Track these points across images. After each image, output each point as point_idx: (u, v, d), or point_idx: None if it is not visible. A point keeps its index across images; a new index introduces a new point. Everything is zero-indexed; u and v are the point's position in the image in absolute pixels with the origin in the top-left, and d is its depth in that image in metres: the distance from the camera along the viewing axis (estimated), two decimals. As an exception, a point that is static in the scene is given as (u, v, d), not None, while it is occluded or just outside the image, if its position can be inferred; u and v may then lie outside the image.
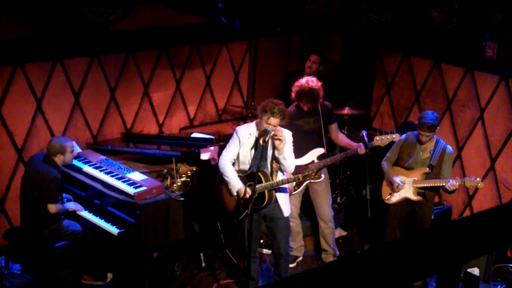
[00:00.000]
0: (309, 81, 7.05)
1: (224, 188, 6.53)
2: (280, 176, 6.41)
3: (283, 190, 6.49)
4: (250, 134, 6.35)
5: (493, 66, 7.83)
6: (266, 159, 6.34)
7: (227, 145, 6.51)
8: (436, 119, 6.73)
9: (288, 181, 6.33)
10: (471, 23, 7.28)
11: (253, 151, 6.33)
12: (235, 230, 7.80)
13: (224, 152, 6.48)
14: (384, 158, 7.15)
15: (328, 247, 7.63)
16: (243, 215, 6.40)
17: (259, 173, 6.25)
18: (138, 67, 8.19)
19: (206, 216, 7.54)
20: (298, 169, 6.74)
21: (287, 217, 6.59)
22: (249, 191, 6.25)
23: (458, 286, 2.18)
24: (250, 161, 6.36)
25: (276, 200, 6.41)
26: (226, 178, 6.39)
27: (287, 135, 6.38)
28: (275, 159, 6.32)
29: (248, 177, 6.32)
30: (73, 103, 7.70)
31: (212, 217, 7.42)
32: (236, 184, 6.32)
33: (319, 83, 7.08)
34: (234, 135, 6.46)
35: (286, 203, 6.53)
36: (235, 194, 6.34)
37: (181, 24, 8.31)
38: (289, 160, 6.31)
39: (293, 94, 7.11)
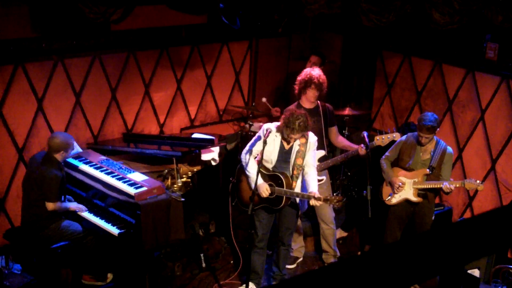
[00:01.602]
0: (314, 69, 7.13)
1: (244, 177, 6.65)
2: (299, 185, 6.50)
3: (303, 191, 6.56)
4: (276, 136, 6.43)
5: (494, 67, 7.84)
6: (288, 163, 6.45)
7: (253, 139, 6.62)
8: (436, 120, 6.72)
9: (309, 197, 6.30)
10: (472, 24, 7.28)
11: (277, 152, 6.42)
12: (237, 228, 7.80)
13: (248, 146, 6.59)
14: (383, 157, 7.14)
15: (328, 248, 7.63)
16: (259, 206, 6.53)
17: (281, 176, 6.36)
18: (139, 67, 8.20)
19: (207, 214, 7.55)
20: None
21: (300, 213, 6.72)
22: (267, 189, 6.35)
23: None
24: (273, 162, 6.45)
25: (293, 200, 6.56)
26: (247, 172, 6.51)
27: (312, 141, 6.47)
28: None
29: (271, 177, 6.42)
30: (74, 102, 7.70)
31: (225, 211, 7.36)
32: (255, 179, 6.37)
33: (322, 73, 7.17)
34: (260, 131, 6.53)
35: (304, 202, 6.63)
36: (253, 187, 6.39)
37: (182, 24, 8.32)
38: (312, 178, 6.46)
39: (300, 84, 7.10)
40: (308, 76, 7.04)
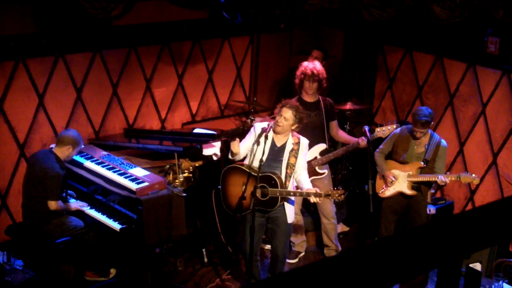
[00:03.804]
0: (313, 62, 7.16)
1: (230, 181, 6.49)
2: (291, 185, 6.35)
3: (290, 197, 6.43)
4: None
5: (495, 61, 7.83)
6: (280, 161, 6.29)
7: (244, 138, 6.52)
8: (430, 115, 6.73)
9: (308, 194, 6.17)
10: (473, 18, 7.27)
11: (268, 148, 6.25)
12: (237, 225, 7.81)
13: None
14: (377, 150, 7.15)
15: (330, 242, 7.64)
16: (247, 211, 6.35)
17: (274, 176, 6.21)
18: (140, 62, 8.19)
19: (209, 211, 7.54)
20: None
21: (290, 224, 6.55)
22: (237, 144, 6.31)
23: (459, 280, 2.18)
24: (263, 159, 6.20)
25: (282, 204, 6.36)
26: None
27: (303, 142, 6.36)
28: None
29: (263, 179, 6.22)
30: (75, 98, 7.70)
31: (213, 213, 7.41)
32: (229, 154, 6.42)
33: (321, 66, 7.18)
34: (252, 129, 6.44)
35: (291, 210, 6.46)
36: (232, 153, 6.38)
37: (183, 19, 8.31)
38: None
39: (297, 78, 7.13)
40: (303, 68, 7.09)
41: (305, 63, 7.18)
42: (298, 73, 7.15)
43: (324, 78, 7.12)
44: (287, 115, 6.18)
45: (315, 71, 7.04)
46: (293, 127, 6.26)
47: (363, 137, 6.92)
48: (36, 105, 7.36)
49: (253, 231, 6.18)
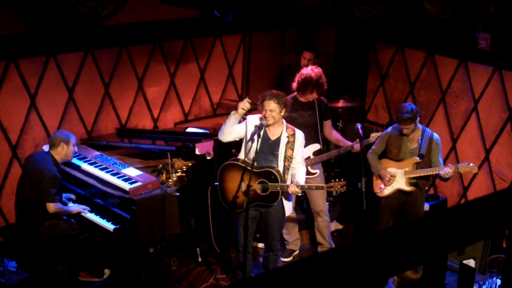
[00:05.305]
0: (314, 69, 7.15)
1: (228, 177, 6.50)
2: (290, 177, 6.37)
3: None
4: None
5: (486, 57, 7.84)
6: (275, 155, 6.31)
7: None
8: (412, 111, 6.74)
9: (310, 188, 6.32)
10: (464, 14, 7.29)
11: (259, 145, 6.21)
12: (230, 224, 7.80)
13: None
14: (369, 151, 7.14)
15: (323, 240, 7.64)
16: (244, 208, 6.31)
17: (274, 171, 6.22)
18: (132, 61, 8.17)
19: (202, 211, 7.54)
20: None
21: (284, 217, 6.59)
22: (248, 101, 6.31)
23: (445, 275, 2.19)
24: (256, 158, 6.20)
25: (280, 198, 6.40)
26: (226, 120, 6.40)
27: (299, 135, 6.37)
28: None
29: (262, 174, 6.26)
30: (67, 98, 7.68)
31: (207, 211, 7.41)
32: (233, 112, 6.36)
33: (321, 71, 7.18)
34: (244, 121, 6.46)
35: (289, 202, 6.50)
36: (237, 112, 6.33)
37: (175, 18, 8.28)
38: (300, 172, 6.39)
39: (301, 81, 7.11)
40: (308, 78, 7.04)
41: (310, 72, 7.09)
42: (302, 80, 7.07)
43: (326, 85, 7.18)
44: (270, 106, 6.21)
45: (320, 81, 7.06)
46: (282, 113, 6.27)
47: (358, 141, 6.97)
48: (28, 105, 7.33)
49: (247, 229, 6.19)
